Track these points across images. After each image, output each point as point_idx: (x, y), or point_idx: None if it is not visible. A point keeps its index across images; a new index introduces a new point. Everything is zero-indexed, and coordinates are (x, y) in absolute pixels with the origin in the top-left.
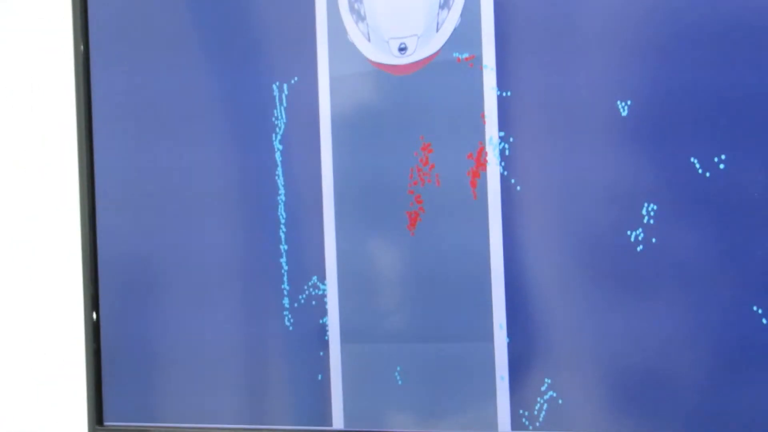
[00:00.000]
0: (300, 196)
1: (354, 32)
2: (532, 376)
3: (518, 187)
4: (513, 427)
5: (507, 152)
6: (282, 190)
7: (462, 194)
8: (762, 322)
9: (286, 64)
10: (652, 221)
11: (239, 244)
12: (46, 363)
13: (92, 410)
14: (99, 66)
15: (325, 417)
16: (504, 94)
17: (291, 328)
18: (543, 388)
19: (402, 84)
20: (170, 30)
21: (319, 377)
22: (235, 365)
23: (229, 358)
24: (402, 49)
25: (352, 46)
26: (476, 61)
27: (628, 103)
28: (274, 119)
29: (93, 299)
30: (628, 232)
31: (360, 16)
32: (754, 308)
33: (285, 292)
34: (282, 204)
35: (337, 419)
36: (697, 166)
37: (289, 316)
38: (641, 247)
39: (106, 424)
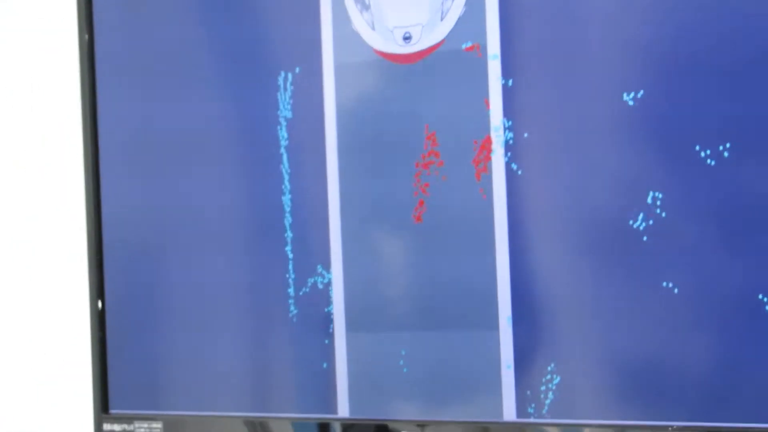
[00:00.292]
0: (304, 185)
1: (358, 21)
2: (537, 365)
3: (523, 176)
4: (518, 416)
5: (512, 141)
6: (287, 179)
7: (467, 183)
8: (767, 310)
9: (291, 53)
10: (657, 209)
11: (244, 233)
12: (51, 351)
13: (98, 398)
14: (103, 62)
15: (331, 405)
16: (509, 82)
17: (296, 317)
18: (548, 377)
19: (407, 73)
20: (176, 22)
21: (324, 366)
22: (240, 353)
23: (234, 346)
24: (407, 38)
25: (356, 35)
26: (481, 50)
27: (634, 92)
28: (278, 109)
29: (98, 288)
30: (633, 221)
31: (364, 5)
32: (760, 296)
33: (290, 281)
34: (287, 193)
35: (343, 407)
36: (702, 154)
37: (295, 304)
38: (646, 237)
39: (111, 412)
